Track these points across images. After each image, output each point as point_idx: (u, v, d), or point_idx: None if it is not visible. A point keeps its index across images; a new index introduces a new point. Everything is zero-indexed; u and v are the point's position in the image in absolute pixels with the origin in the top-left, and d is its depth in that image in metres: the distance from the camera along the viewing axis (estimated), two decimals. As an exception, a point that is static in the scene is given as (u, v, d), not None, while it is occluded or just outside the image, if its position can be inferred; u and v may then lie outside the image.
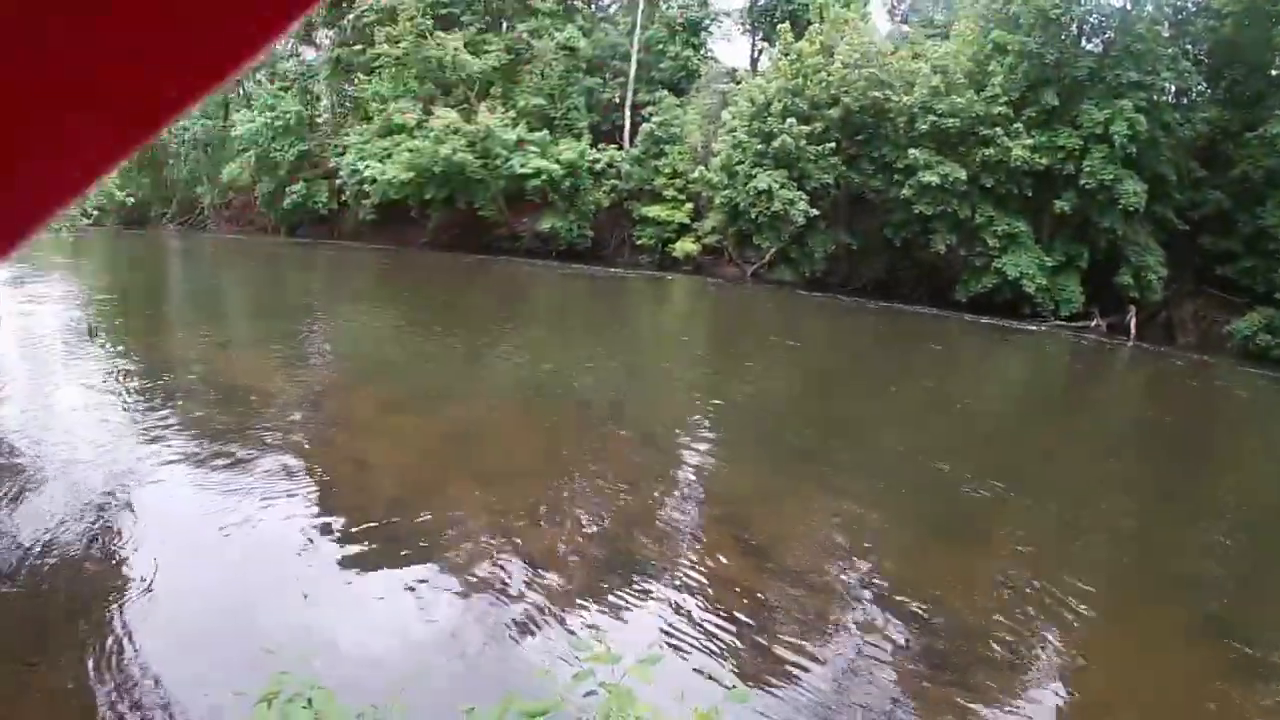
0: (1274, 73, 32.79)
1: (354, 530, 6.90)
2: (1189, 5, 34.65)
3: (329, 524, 7.00)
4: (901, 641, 6.00)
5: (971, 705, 5.33)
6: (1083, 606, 6.84)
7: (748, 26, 39.63)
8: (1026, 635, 6.32)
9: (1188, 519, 10.23)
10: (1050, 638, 6.32)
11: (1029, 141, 29.01)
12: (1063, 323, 28.47)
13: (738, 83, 32.76)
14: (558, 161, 31.59)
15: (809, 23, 32.44)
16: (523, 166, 31.76)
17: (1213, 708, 5.76)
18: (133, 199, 47.00)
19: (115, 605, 5.49)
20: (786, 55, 30.96)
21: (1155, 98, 29.98)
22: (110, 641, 5.09)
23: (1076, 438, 14.44)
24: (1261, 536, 9.81)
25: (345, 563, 6.36)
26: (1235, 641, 6.72)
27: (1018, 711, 5.39)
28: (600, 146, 32.93)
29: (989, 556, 8.00)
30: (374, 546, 6.65)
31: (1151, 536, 9.39)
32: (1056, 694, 5.67)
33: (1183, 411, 19.35)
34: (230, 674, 4.63)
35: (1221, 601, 7.74)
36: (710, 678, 5.18)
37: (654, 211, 31.81)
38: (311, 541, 6.63)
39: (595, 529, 7.50)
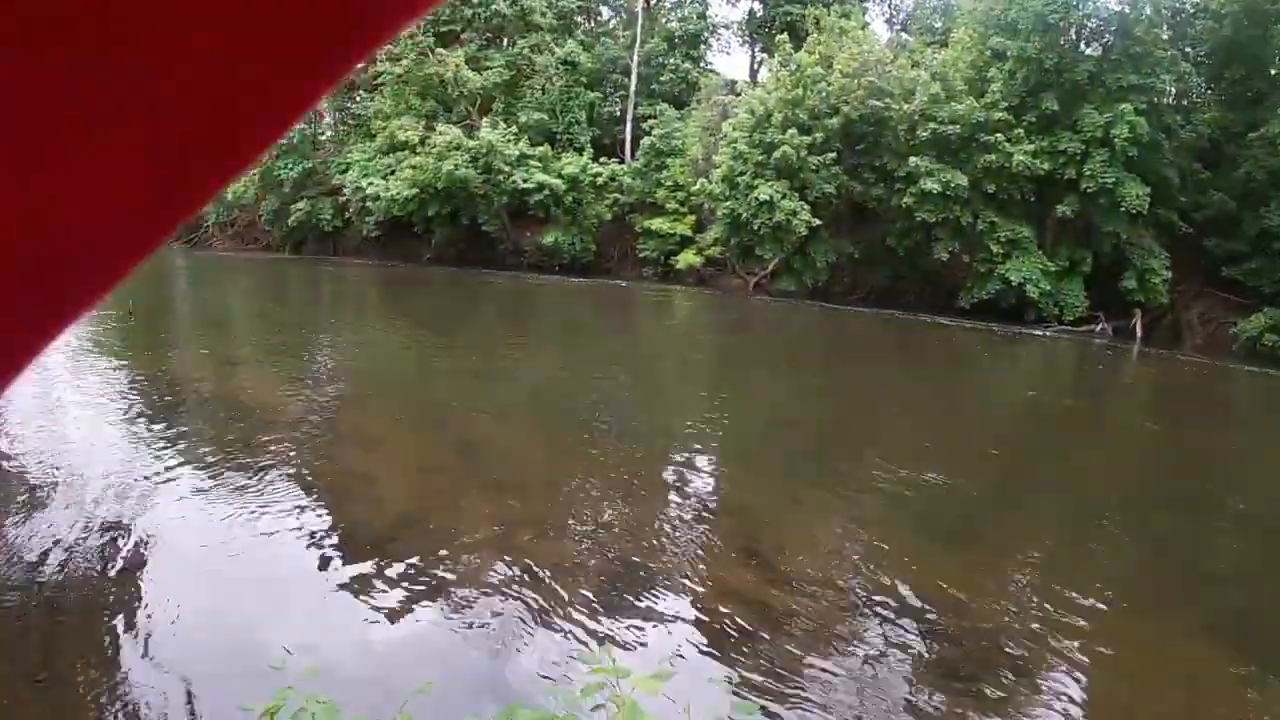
0: (1274, 72, 32.78)
1: (362, 545, 6.90)
2: (1187, 7, 34.71)
3: (336, 539, 7.01)
4: (912, 651, 5.96)
5: (985, 714, 5.30)
6: (1096, 611, 6.79)
7: (746, 38, 39.89)
8: (1040, 640, 6.28)
9: (1201, 521, 10.15)
10: (1064, 642, 6.27)
11: (1030, 147, 29.03)
12: (1067, 327, 28.41)
13: (737, 94, 32.89)
14: (560, 176, 31.73)
15: (807, 33, 32.60)
16: (525, 181, 31.89)
17: (1230, 711, 5.72)
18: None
19: (122, 622, 5.49)
20: (786, 66, 31.09)
21: (1156, 100, 30.00)
22: (117, 657, 5.10)
23: (1084, 442, 14.37)
24: (1275, 537, 9.77)
25: (352, 578, 6.36)
26: (1252, 644, 6.69)
27: (1030, 718, 5.35)
28: (602, 160, 33.09)
29: (999, 563, 7.97)
30: (381, 561, 6.64)
31: (1164, 539, 9.33)
32: (1071, 699, 5.61)
33: (1191, 413, 19.24)
34: (235, 689, 4.63)
35: (1237, 603, 7.70)
36: (718, 691, 5.14)
37: (656, 224, 31.90)
38: (319, 557, 6.63)
39: (603, 542, 7.48)
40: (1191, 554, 8.97)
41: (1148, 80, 29.39)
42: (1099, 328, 28.70)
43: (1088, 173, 28.47)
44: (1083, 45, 31.85)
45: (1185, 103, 33.07)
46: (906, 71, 30.35)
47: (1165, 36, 31.67)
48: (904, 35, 35.78)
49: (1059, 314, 28.75)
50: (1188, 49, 33.53)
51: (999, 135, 29.10)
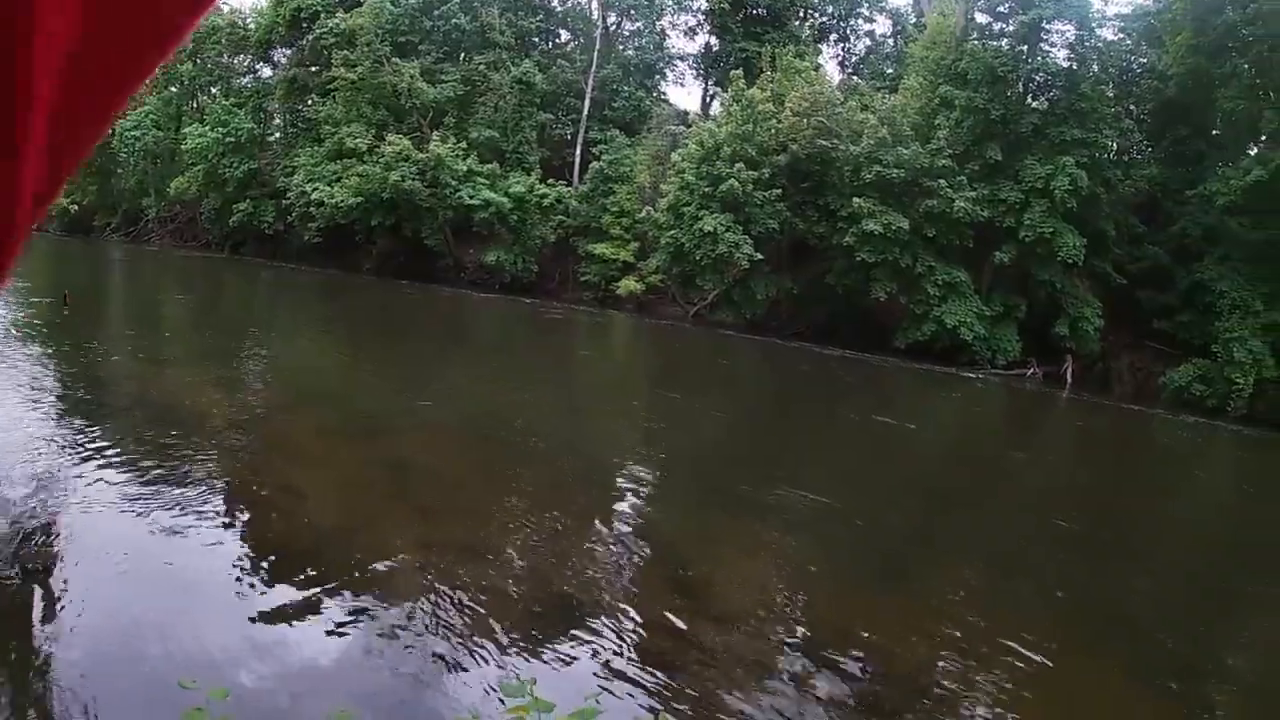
0: (1215, 133, 33.64)
1: (282, 560, 6.61)
2: (1134, 67, 35.54)
3: (255, 554, 6.71)
4: (838, 688, 5.93)
5: None
6: (1019, 650, 6.81)
7: (701, 71, 40.15)
8: (963, 680, 6.32)
9: (1122, 564, 10.32)
10: (987, 681, 6.32)
11: (971, 194, 29.40)
12: (1000, 371, 28.72)
13: (689, 126, 33.00)
14: (507, 194, 31.51)
15: (761, 70, 32.81)
16: (471, 198, 31.58)
17: None
18: (77, 206, 46.25)
19: (24, 628, 5.20)
20: (738, 101, 31.24)
21: (1097, 155, 30.62)
22: (15, 668, 4.84)
23: (1010, 484, 14.55)
24: (1194, 580, 10.11)
25: (270, 595, 6.09)
26: (1171, 681, 6.88)
27: None
28: (550, 182, 32.94)
29: (923, 601, 7.98)
30: (301, 579, 6.36)
31: (1086, 581, 9.44)
32: None
33: (1117, 458, 19.55)
34: (142, 707, 4.44)
35: (1157, 645, 7.84)
36: None
37: (600, 249, 31.77)
38: (236, 571, 6.33)
39: (529, 568, 7.30)
40: (1111, 595, 9.09)
41: (1091, 135, 29.96)
42: (1030, 372, 29.05)
43: (1027, 222, 28.87)
44: (1029, 98, 32.42)
45: (1126, 158, 33.79)
46: (855, 114, 30.64)
47: (1110, 94, 32.41)
48: (855, 79, 36.19)
49: (992, 357, 29.04)
50: (1132, 107, 34.34)
51: (942, 181, 29.43)
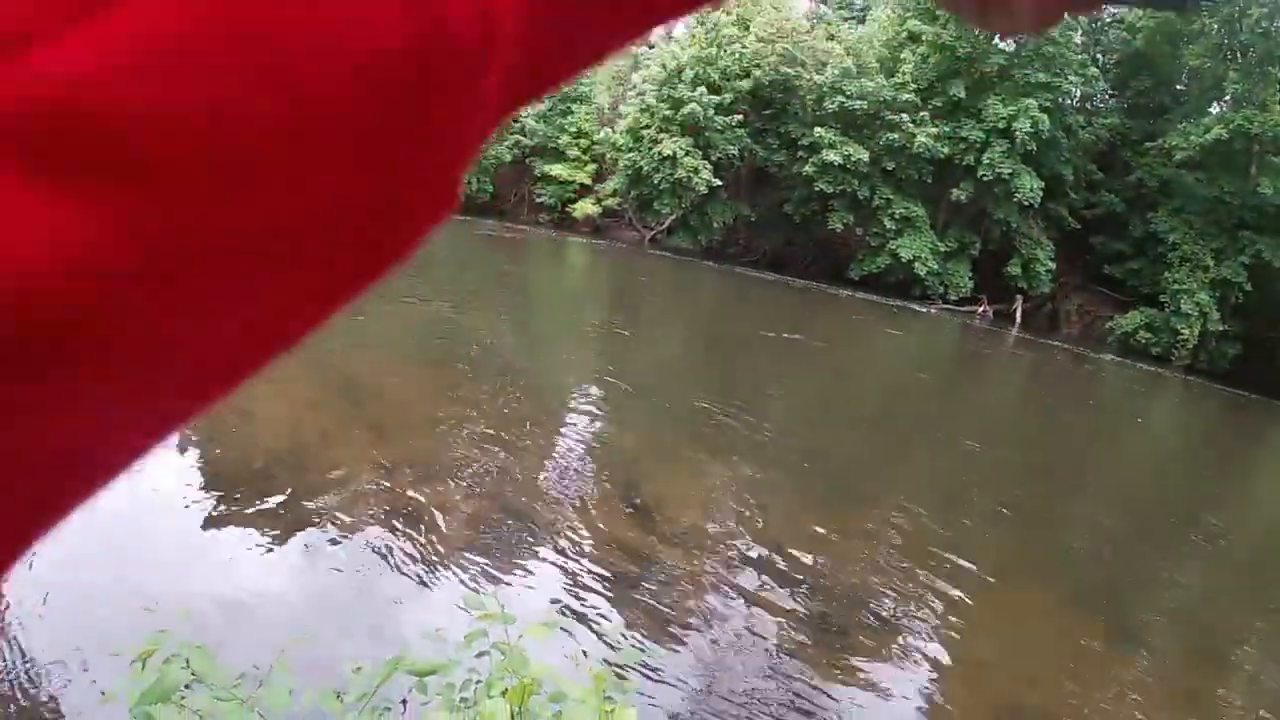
0: (1179, 88, 33.72)
1: (236, 484, 6.43)
2: (1104, 16, 35.38)
3: (209, 477, 6.50)
4: (788, 603, 6.11)
5: (855, 665, 5.53)
6: (964, 574, 7.11)
7: (669, -7, 39.25)
8: (910, 600, 6.56)
9: (1065, 497, 10.80)
10: (932, 602, 6.56)
11: (933, 130, 29.20)
12: (951, 306, 28.78)
13: (651, 47, 32.33)
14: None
15: (729, -6, 32.21)
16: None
17: (1085, 668, 6.12)
18: None
19: None
20: (703, 24, 30.63)
21: (1060, 100, 30.53)
22: None
23: (960, 415, 14.78)
24: (1131, 515, 10.60)
25: (226, 518, 5.93)
26: (1105, 610, 7.22)
27: (897, 671, 5.59)
28: (507, 99, 32.16)
29: (875, 525, 8.16)
30: (257, 501, 6.21)
31: (1031, 512, 9.81)
32: (936, 654, 5.88)
33: (1063, 397, 19.76)
34: (106, 633, 4.23)
35: (1094, 573, 8.24)
36: (603, 638, 5.14)
37: (556, 170, 31.16)
38: (191, 495, 6.15)
39: (487, 488, 7.25)
40: (1048, 524, 9.52)
41: (1055, 80, 29.83)
42: (981, 309, 29.16)
43: (986, 161, 28.77)
44: (997, 39, 32.14)
45: (1089, 105, 33.78)
46: (821, 43, 30.20)
47: (1079, 41, 32.24)
48: (823, 7, 35.65)
49: (944, 293, 29.09)
50: (1099, 55, 34.28)
51: (905, 115, 29.20)
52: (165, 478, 6.34)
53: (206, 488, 6.32)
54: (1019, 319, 28.84)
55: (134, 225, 0.15)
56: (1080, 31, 32.90)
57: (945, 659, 5.85)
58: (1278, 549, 11.34)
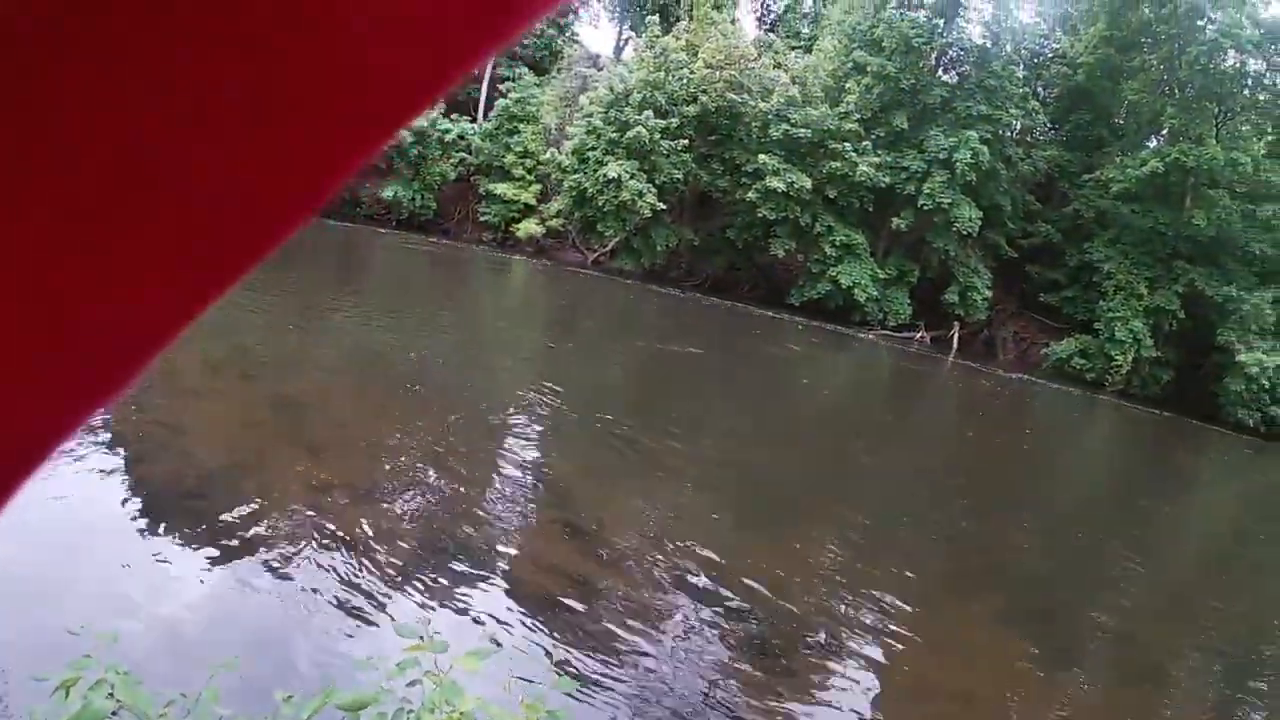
0: (1117, 122, 34.57)
1: (167, 504, 6.26)
2: (1046, 51, 36.27)
3: (140, 494, 6.35)
4: (724, 627, 6.13)
5: (793, 686, 5.54)
6: (898, 595, 7.19)
7: (617, 14, 39.55)
8: (847, 620, 6.64)
9: (1000, 518, 11.02)
10: (868, 623, 6.64)
11: (875, 159, 29.59)
12: (890, 333, 29.10)
13: (600, 69, 32.45)
14: (407, 128, 30.52)
15: (678, 19, 32.44)
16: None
17: (1020, 685, 6.27)
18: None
19: None
20: (652, 48, 30.80)
21: (1001, 132, 31.14)
22: None
23: (893, 440, 14.98)
24: (1065, 535, 10.88)
25: (156, 539, 5.76)
26: (1043, 628, 7.40)
27: (836, 692, 5.62)
28: (453, 117, 32.01)
29: (809, 549, 8.24)
30: (188, 522, 6.04)
31: (966, 532, 10.02)
32: (874, 673, 5.95)
33: (998, 421, 20.10)
34: (28, 656, 4.13)
35: (1025, 592, 8.48)
36: (537, 667, 5.03)
37: (501, 189, 31.05)
38: (121, 513, 5.99)
39: (424, 510, 7.21)
40: (983, 544, 9.73)
41: (997, 112, 30.41)
42: (919, 336, 29.53)
43: (927, 191, 29.20)
44: (941, 71, 32.74)
45: (1029, 138, 34.48)
46: (768, 71, 30.48)
47: (1020, 74, 32.91)
48: (771, 36, 36.05)
49: (883, 319, 29.42)
50: (1039, 89, 35.04)
51: (848, 144, 29.56)
52: (93, 495, 6.18)
53: (136, 507, 6.18)
54: (956, 345, 29.27)
55: None
56: (1023, 65, 33.61)
57: (883, 678, 5.95)
58: (1207, 567, 11.77)
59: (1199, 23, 29.50)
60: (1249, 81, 31.22)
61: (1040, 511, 12.00)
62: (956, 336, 29.48)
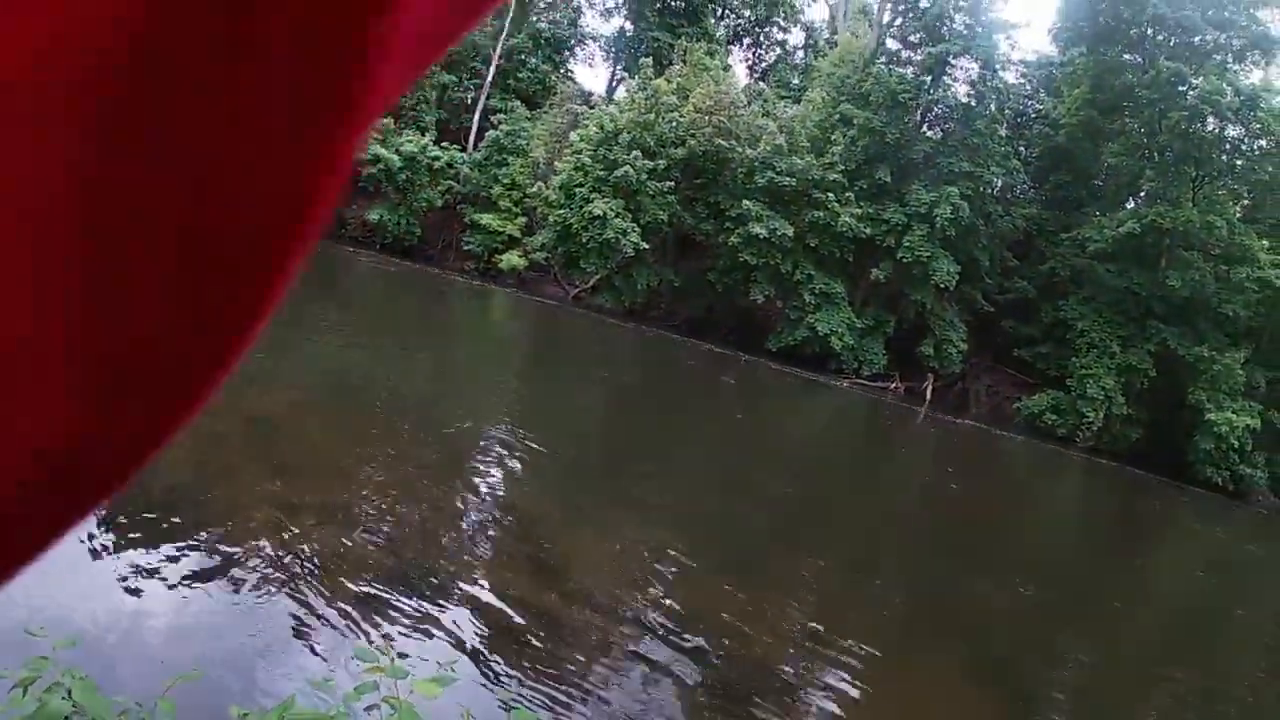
0: (1096, 183, 35.27)
1: (134, 513, 6.24)
2: (1029, 111, 37.04)
3: (105, 508, 6.25)
4: (688, 670, 6.10)
5: None
6: (866, 645, 7.21)
7: (612, 54, 40.06)
8: (812, 670, 6.64)
9: (967, 570, 11.05)
10: (835, 673, 6.63)
11: (857, 211, 30.02)
12: (864, 382, 29.36)
13: (591, 107, 32.82)
14: (398, 152, 30.69)
15: (671, 63, 32.92)
16: (360, 152, 30.42)
17: None
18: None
19: None
20: (644, 90, 31.22)
21: (982, 189, 31.67)
22: None
23: (863, 489, 15.08)
24: (1032, 588, 10.93)
25: (122, 547, 5.75)
26: (1006, 682, 7.48)
27: None
28: (443, 145, 32.25)
29: (779, 593, 8.28)
30: (154, 533, 6.05)
31: (934, 583, 10.08)
32: None
33: (968, 474, 20.28)
34: None
35: (993, 644, 8.54)
36: (496, 698, 5.06)
37: (486, 219, 31.24)
38: (87, 526, 5.85)
39: (391, 536, 7.17)
40: (949, 597, 9.72)
41: (978, 169, 30.96)
42: (894, 386, 29.80)
43: (906, 244, 29.63)
44: (925, 127, 33.38)
45: (1009, 196, 35.09)
46: (757, 118, 30.97)
47: (1003, 133, 33.55)
48: (762, 84, 36.64)
49: (858, 368, 29.69)
50: (1021, 148, 35.74)
51: (831, 195, 29.99)
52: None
53: (102, 521, 6.15)
54: (929, 397, 29.55)
55: None
56: (1006, 125, 34.27)
57: (845, 727, 5.96)
58: (1169, 622, 11.95)
59: (1180, 88, 30.22)
60: (1227, 147, 32.02)
61: (1008, 565, 12.14)
62: (930, 388, 29.79)
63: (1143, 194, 33.59)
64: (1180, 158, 31.21)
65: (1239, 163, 32.24)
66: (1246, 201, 33.07)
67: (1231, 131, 31.70)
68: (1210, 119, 30.65)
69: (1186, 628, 11.76)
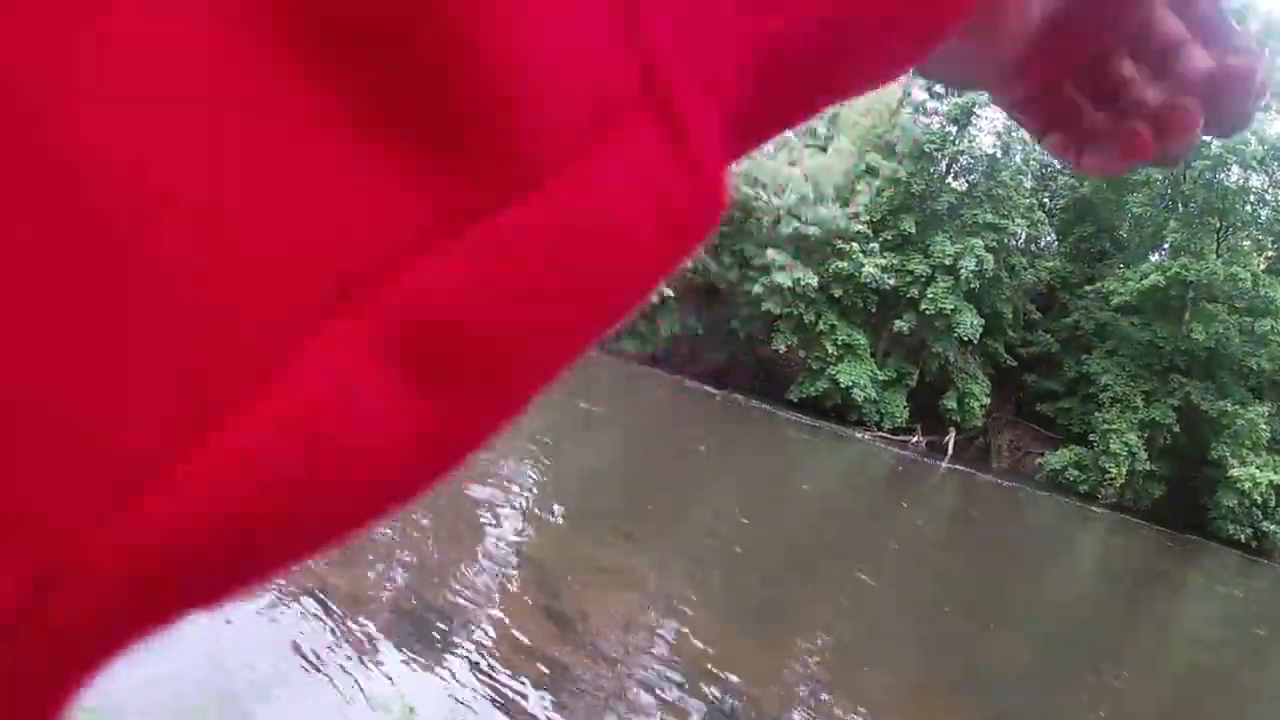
0: (1120, 235, 35.34)
1: None
2: (1054, 163, 37.16)
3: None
4: None
5: None
6: (880, 700, 7.22)
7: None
8: None
9: (985, 626, 11.10)
10: None
11: (881, 261, 30.26)
12: (886, 434, 29.45)
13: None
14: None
15: (699, 113, 33.49)
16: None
17: None
18: None
19: None
20: (671, 139, 31.75)
21: (1006, 241, 31.83)
22: None
23: (883, 543, 15.04)
24: (1050, 646, 11.04)
25: None
26: None
27: None
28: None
29: (796, 648, 8.28)
30: None
31: (951, 639, 10.07)
32: None
33: (989, 529, 20.28)
34: None
35: (1013, 702, 8.48)
36: None
37: (515, 265, 31.84)
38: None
39: (403, 580, 7.22)
40: (970, 652, 9.72)
41: (1003, 221, 31.14)
42: (915, 439, 29.85)
43: (930, 296, 29.79)
44: (950, 178, 33.65)
45: (1033, 248, 35.25)
46: (784, 167, 31.41)
47: (1028, 185, 33.78)
48: (789, 133, 37.14)
49: (880, 420, 29.78)
50: (1046, 199, 35.93)
51: (855, 245, 30.29)
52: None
53: None
54: (950, 450, 29.60)
55: (456, 419, 0.19)
56: (1031, 176, 34.52)
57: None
58: (1190, 681, 11.94)
59: (1204, 139, 30.30)
60: (1251, 198, 31.99)
61: (1026, 622, 12.20)
62: (951, 441, 29.85)
63: (1166, 245, 33.57)
64: (1204, 208, 31.28)
65: (1264, 214, 32.24)
66: (1271, 253, 33.02)
67: (1255, 181, 31.73)
68: (1235, 168, 30.74)
69: (1204, 686, 11.79)
